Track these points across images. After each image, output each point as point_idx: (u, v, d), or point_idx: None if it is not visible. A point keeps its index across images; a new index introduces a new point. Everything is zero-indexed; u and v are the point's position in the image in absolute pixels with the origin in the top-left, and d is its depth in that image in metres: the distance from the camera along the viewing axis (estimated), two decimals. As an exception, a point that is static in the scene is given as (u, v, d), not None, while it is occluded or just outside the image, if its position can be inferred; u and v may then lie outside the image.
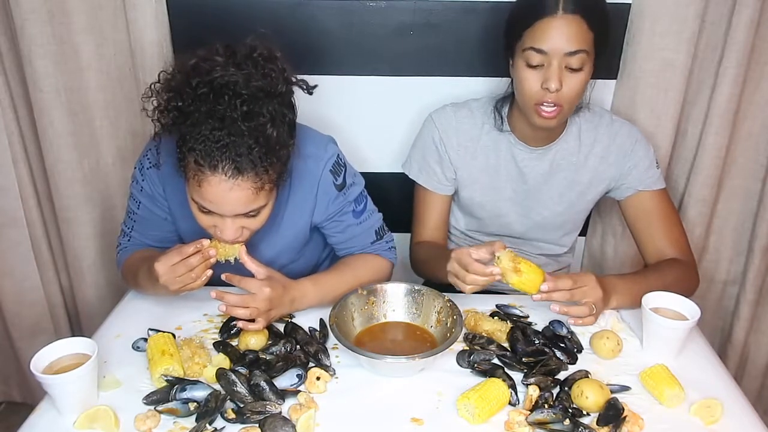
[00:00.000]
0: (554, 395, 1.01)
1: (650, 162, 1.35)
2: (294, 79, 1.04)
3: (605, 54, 1.22)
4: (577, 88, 1.18)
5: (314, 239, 1.34)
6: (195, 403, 0.96)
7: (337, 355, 1.11)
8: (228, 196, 0.98)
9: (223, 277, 1.08)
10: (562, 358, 1.10)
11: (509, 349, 1.13)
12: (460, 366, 1.09)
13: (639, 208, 1.36)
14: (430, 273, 1.20)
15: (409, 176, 1.43)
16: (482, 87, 1.54)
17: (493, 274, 1.06)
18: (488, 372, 1.05)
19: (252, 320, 1.09)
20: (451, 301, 1.13)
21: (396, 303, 1.19)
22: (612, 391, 1.01)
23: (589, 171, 1.36)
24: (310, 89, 1.07)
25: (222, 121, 0.94)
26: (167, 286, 1.06)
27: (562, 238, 1.48)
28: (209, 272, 1.08)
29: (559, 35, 1.13)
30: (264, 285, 1.09)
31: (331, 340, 1.15)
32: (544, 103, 1.18)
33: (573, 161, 1.35)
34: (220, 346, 1.11)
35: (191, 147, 0.96)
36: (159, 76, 1.01)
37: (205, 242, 1.06)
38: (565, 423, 0.94)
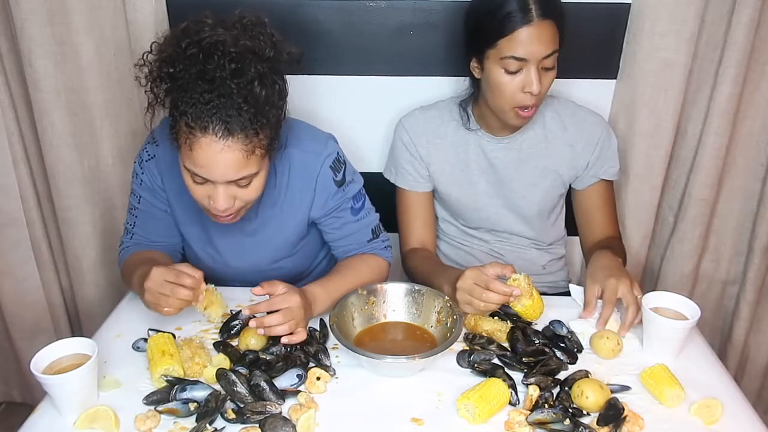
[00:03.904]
0: (554, 395, 1.01)
1: (614, 151, 1.41)
2: (282, 47, 1.04)
3: (564, 48, 1.25)
4: (550, 84, 1.24)
5: (311, 236, 1.34)
6: (195, 403, 0.96)
7: (337, 355, 1.11)
8: (219, 158, 0.98)
9: (255, 291, 1.07)
10: (562, 358, 1.10)
11: (509, 349, 1.13)
12: (460, 366, 1.09)
13: (598, 196, 1.43)
14: (424, 284, 1.22)
15: (390, 180, 1.46)
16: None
17: (511, 294, 1.07)
18: (488, 372, 1.05)
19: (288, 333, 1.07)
20: (451, 301, 1.13)
21: (396, 303, 1.19)
22: (612, 391, 1.01)
23: (559, 157, 1.40)
24: (298, 58, 1.07)
25: (212, 83, 0.95)
26: (144, 293, 1.05)
27: (548, 229, 1.49)
28: (181, 303, 1.05)
29: (537, 42, 1.18)
30: (291, 294, 1.07)
31: (331, 340, 1.15)
32: (523, 106, 1.24)
33: (542, 148, 1.39)
34: (220, 346, 1.11)
35: (183, 111, 0.97)
36: (151, 46, 1.03)
37: (198, 273, 1.06)
38: (565, 423, 0.94)
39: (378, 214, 1.34)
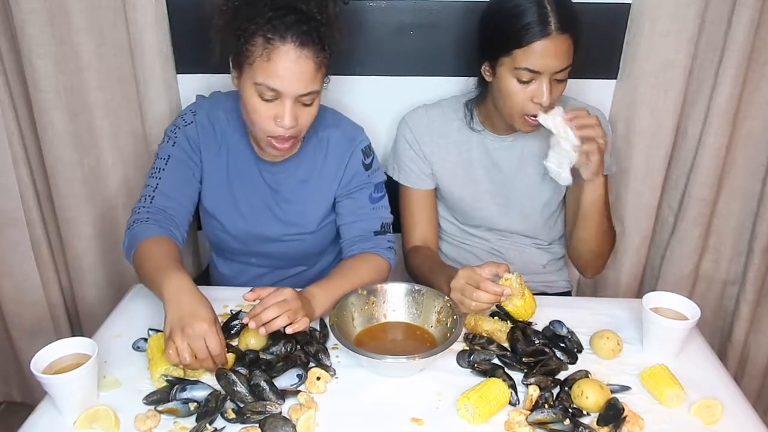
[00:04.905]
0: (554, 395, 1.02)
1: (609, 147, 1.39)
2: None
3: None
4: (559, 95, 1.25)
5: (333, 218, 1.38)
6: (195, 403, 0.96)
7: (337, 355, 1.11)
8: (295, 68, 1.08)
9: (247, 297, 1.08)
10: (562, 358, 1.10)
11: (509, 349, 1.13)
12: (460, 366, 1.09)
13: None
14: (426, 284, 1.22)
15: (393, 178, 1.46)
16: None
17: (502, 294, 1.08)
18: (488, 372, 1.05)
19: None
20: (451, 301, 1.13)
21: (396, 303, 1.19)
22: (612, 391, 1.01)
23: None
24: None
25: None
26: (173, 321, 0.98)
27: (548, 228, 1.49)
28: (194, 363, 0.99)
29: (553, 56, 1.18)
30: (281, 288, 1.07)
31: (331, 340, 1.15)
32: (532, 115, 1.24)
33: (544, 147, 1.37)
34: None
35: (259, 26, 1.06)
36: None
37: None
38: (565, 423, 0.94)
39: (392, 216, 1.37)
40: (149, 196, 1.25)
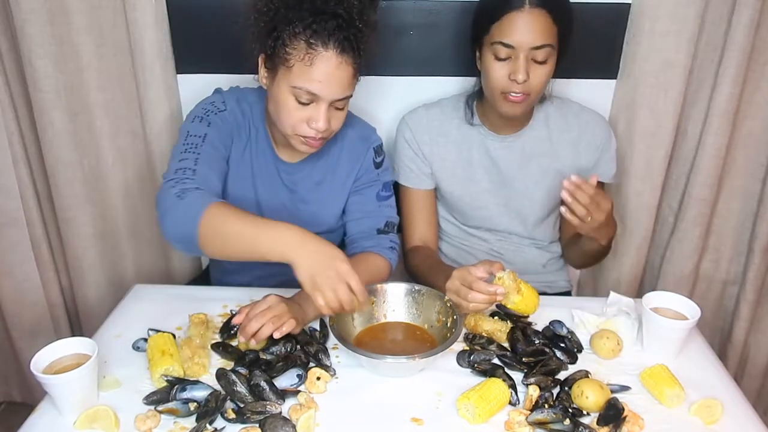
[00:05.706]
0: (554, 395, 1.02)
1: (613, 153, 1.41)
2: None
3: (568, 52, 1.26)
4: (542, 79, 1.23)
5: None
6: (195, 403, 0.96)
7: (337, 355, 1.11)
8: (336, 73, 1.08)
9: (235, 321, 1.10)
10: (562, 358, 1.10)
11: (509, 349, 1.13)
12: (460, 366, 1.09)
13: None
14: (426, 284, 1.22)
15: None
16: (482, 87, 1.54)
17: (496, 294, 1.07)
18: (488, 372, 1.05)
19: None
20: (451, 301, 1.13)
21: (396, 303, 1.19)
22: (612, 391, 1.01)
23: (562, 158, 1.40)
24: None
25: (327, 3, 1.06)
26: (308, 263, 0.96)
27: (548, 228, 1.49)
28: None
29: (526, 30, 1.18)
30: (263, 299, 1.08)
31: (331, 340, 1.15)
32: (512, 93, 1.23)
33: (545, 148, 1.39)
34: (220, 347, 1.11)
35: (298, 31, 1.06)
36: None
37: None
38: (565, 423, 0.94)
39: (398, 218, 1.37)
40: (190, 168, 1.10)
